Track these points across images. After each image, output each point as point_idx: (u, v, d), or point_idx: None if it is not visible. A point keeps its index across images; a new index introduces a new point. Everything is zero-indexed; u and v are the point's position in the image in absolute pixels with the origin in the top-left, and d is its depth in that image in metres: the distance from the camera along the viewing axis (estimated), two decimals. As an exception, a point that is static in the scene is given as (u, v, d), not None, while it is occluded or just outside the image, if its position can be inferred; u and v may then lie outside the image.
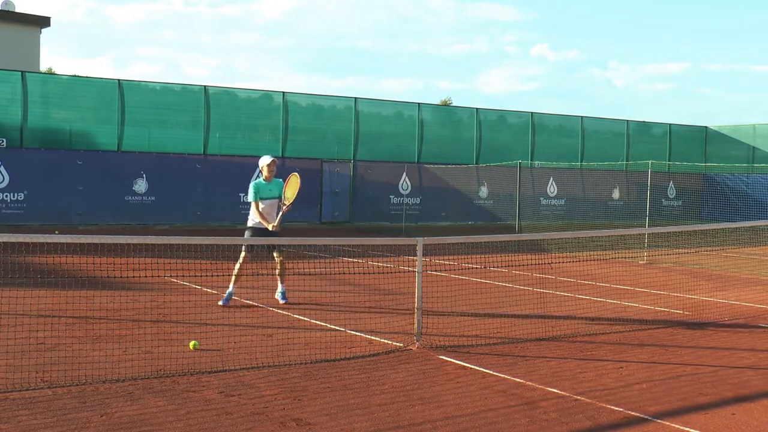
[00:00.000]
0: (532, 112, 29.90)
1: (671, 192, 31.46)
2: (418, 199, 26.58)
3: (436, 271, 12.71)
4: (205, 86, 24.11)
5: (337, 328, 8.75)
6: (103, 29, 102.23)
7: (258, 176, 10.46)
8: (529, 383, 6.58)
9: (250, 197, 10.24)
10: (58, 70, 52.98)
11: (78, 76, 30.88)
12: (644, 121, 33.35)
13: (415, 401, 5.99)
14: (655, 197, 22.28)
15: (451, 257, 14.63)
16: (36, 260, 12.28)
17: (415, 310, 7.99)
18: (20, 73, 22.14)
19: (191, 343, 7.58)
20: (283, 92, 25.31)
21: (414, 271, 8.24)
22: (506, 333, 8.68)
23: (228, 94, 25.21)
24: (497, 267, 14.01)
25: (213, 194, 23.16)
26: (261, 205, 10.24)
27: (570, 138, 30.72)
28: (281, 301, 10.23)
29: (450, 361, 7.28)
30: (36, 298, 9.20)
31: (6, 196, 20.50)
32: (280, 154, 24.34)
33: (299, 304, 10.28)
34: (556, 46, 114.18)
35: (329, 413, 5.65)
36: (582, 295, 11.43)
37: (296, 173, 10.68)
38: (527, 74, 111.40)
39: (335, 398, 6.03)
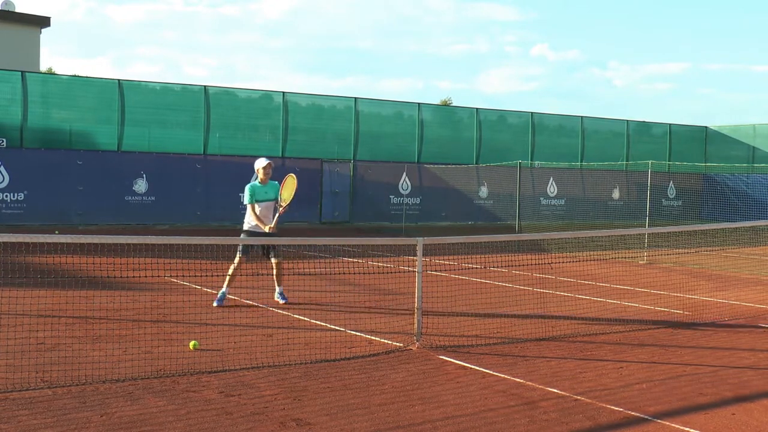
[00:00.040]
0: (532, 112, 29.92)
1: (671, 192, 31.46)
2: (418, 199, 26.58)
3: (436, 271, 12.71)
4: (205, 86, 24.12)
5: (337, 328, 8.75)
6: (103, 29, 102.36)
7: (255, 178, 10.41)
8: (529, 383, 6.58)
9: (246, 200, 10.11)
10: (58, 70, 53.06)
11: (78, 76, 30.88)
12: (644, 121, 33.37)
13: (415, 401, 5.99)
14: (655, 197, 22.27)
15: (451, 257, 14.64)
16: (36, 260, 12.29)
17: (415, 310, 7.99)
18: (20, 73, 22.15)
19: (191, 343, 7.58)
20: (283, 92, 25.32)
21: (414, 271, 8.24)
22: (506, 333, 8.68)
23: (228, 94, 25.22)
24: (497, 267, 14.01)
25: (213, 194, 23.16)
26: (257, 208, 10.18)
27: (570, 138, 30.73)
28: (281, 302, 10.21)
29: (450, 361, 7.28)
30: (36, 298, 9.19)
31: (6, 196, 20.51)
32: (280, 154, 24.36)
33: (299, 304, 10.27)
34: (556, 46, 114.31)
35: (329, 413, 5.65)
36: (582, 295, 11.43)
37: (293, 174, 10.59)
38: (527, 74, 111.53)
39: (335, 398, 6.02)
